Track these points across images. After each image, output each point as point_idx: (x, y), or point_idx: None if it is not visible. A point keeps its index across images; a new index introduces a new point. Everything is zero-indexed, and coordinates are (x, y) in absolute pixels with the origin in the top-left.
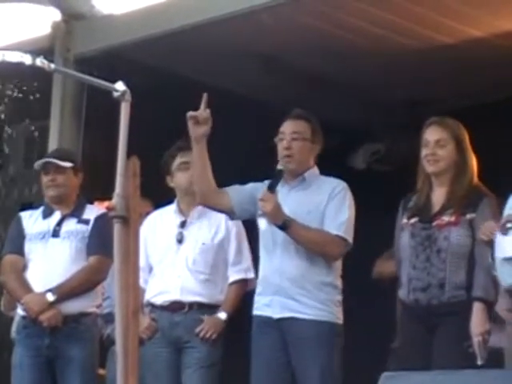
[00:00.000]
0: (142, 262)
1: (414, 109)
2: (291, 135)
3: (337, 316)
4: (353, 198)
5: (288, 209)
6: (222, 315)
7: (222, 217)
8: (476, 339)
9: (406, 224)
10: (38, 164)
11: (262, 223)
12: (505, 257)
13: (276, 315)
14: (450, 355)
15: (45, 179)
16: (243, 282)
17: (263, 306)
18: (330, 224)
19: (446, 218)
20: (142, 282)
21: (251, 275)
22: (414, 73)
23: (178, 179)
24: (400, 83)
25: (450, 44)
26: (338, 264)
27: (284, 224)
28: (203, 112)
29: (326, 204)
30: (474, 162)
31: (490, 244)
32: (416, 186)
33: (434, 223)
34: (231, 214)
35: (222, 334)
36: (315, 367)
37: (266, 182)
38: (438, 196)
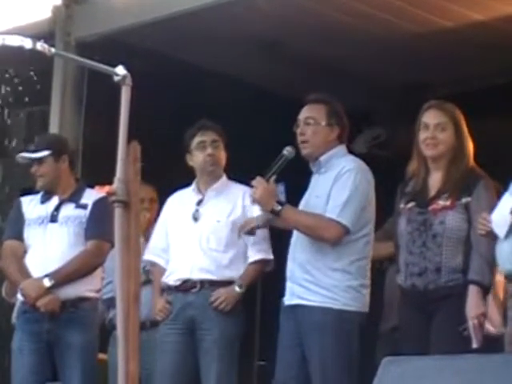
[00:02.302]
0: (163, 244)
1: (414, 94)
2: (304, 121)
3: (345, 303)
4: (364, 178)
5: (307, 194)
6: (237, 287)
7: (240, 195)
8: (471, 322)
9: (403, 209)
10: (17, 158)
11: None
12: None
13: (287, 301)
14: (448, 339)
15: (32, 170)
16: (263, 263)
17: (285, 292)
18: (329, 207)
19: (441, 203)
20: (163, 263)
21: (271, 256)
22: (415, 57)
23: (196, 158)
24: (400, 68)
25: (451, 27)
26: (353, 248)
27: (272, 211)
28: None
29: (331, 186)
30: (470, 146)
31: (489, 236)
32: (407, 171)
33: (430, 208)
34: None
35: (237, 307)
36: (317, 355)
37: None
38: (435, 180)
